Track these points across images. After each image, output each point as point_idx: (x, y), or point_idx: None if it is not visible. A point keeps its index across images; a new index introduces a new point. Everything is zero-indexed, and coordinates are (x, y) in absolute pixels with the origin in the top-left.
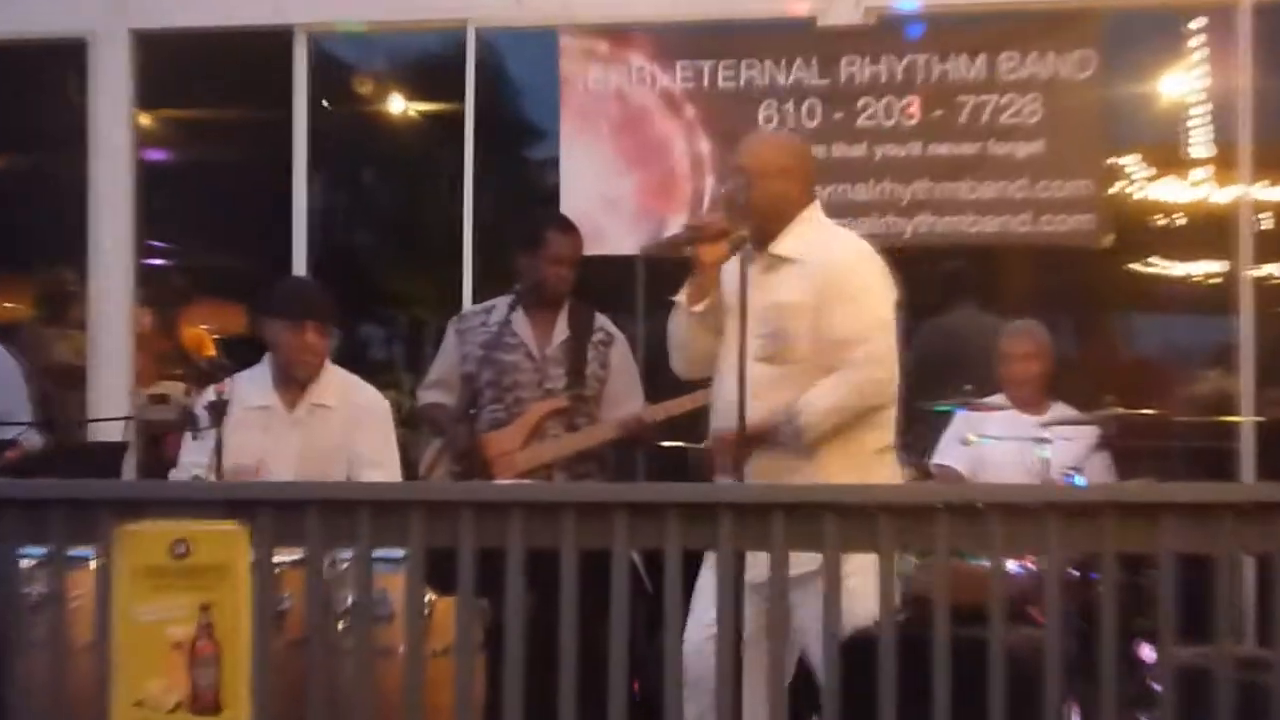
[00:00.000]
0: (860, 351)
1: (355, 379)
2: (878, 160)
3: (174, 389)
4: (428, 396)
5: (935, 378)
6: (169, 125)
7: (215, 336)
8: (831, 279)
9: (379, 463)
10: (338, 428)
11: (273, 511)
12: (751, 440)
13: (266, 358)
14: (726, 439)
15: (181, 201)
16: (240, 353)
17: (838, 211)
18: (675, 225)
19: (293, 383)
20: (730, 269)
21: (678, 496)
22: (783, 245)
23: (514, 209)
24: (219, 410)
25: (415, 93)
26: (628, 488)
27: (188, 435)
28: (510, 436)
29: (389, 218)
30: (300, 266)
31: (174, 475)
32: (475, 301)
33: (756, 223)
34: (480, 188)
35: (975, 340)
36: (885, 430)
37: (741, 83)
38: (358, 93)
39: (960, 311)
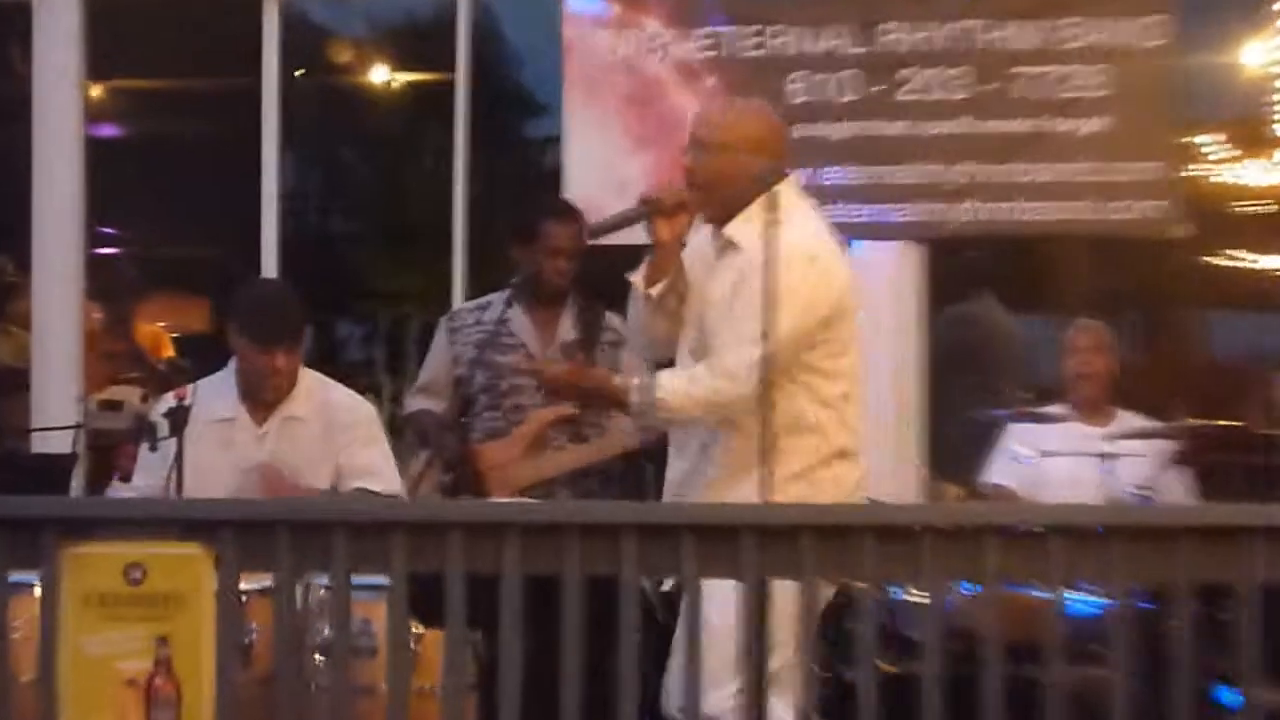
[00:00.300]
0: (724, 358)
1: (330, 383)
2: (922, 139)
3: (128, 394)
4: (415, 403)
5: (952, 374)
6: (121, 97)
7: (174, 335)
8: (749, 273)
9: (374, 472)
10: (313, 441)
11: (238, 532)
12: (592, 390)
13: (231, 363)
14: (553, 370)
15: (135, 182)
16: (201, 353)
17: (875, 196)
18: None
19: (262, 399)
20: (696, 249)
21: (694, 518)
22: (732, 228)
23: (511, 193)
24: (179, 419)
25: (400, 61)
26: (639, 507)
27: (144, 447)
28: (507, 448)
29: (370, 202)
30: (270, 256)
31: (129, 490)
32: (467, 297)
33: (716, 201)
34: (473, 169)
35: (992, 332)
36: (826, 436)
37: (767, 51)
38: (335, 61)
39: (978, 301)
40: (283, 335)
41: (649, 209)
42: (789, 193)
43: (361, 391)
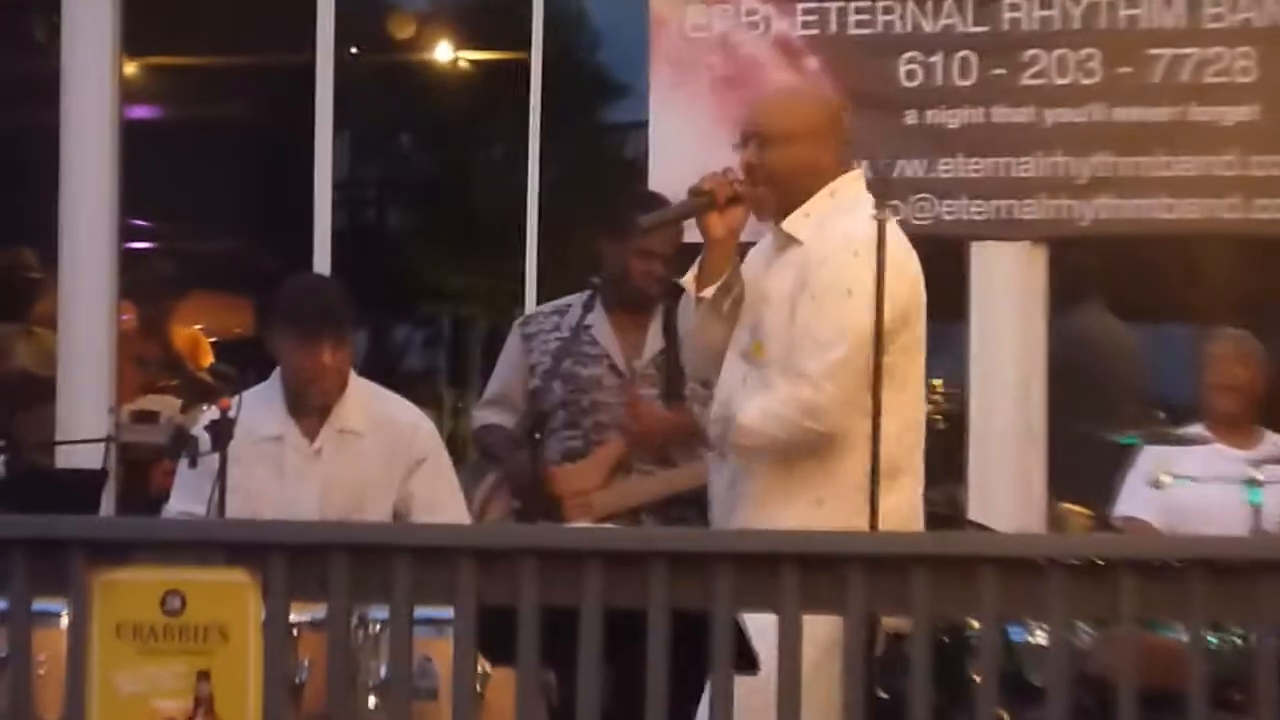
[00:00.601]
0: (800, 363)
1: (387, 394)
2: (1048, 127)
3: (164, 405)
4: (483, 417)
5: (1071, 391)
6: (159, 75)
7: (213, 339)
8: (812, 268)
9: (441, 506)
10: (372, 459)
11: (288, 558)
12: (669, 427)
13: (277, 374)
14: (638, 411)
15: (174, 170)
16: (244, 359)
17: (996, 191)
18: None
19: (311, 407)
20: (761, 249)
21: (796, 546)
22: (793, 222)
23: (590, 184)
24: (223, 432)
25: (467, 38)
26: (734, 535)
27: (183, 463)
28: (588, 471)
29: (432, 192)
30: (322, 251)
31: (166, 513)
32: (540, 298)
33: (777, 197)
34: (547, 157)
35: (1112, 345)
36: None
37: (878, 29)
38: (395, 37)
39: (1088, 310)
40: (327, 326)
41: (701, 203)
42: (854, 185)
43: (422, 405)
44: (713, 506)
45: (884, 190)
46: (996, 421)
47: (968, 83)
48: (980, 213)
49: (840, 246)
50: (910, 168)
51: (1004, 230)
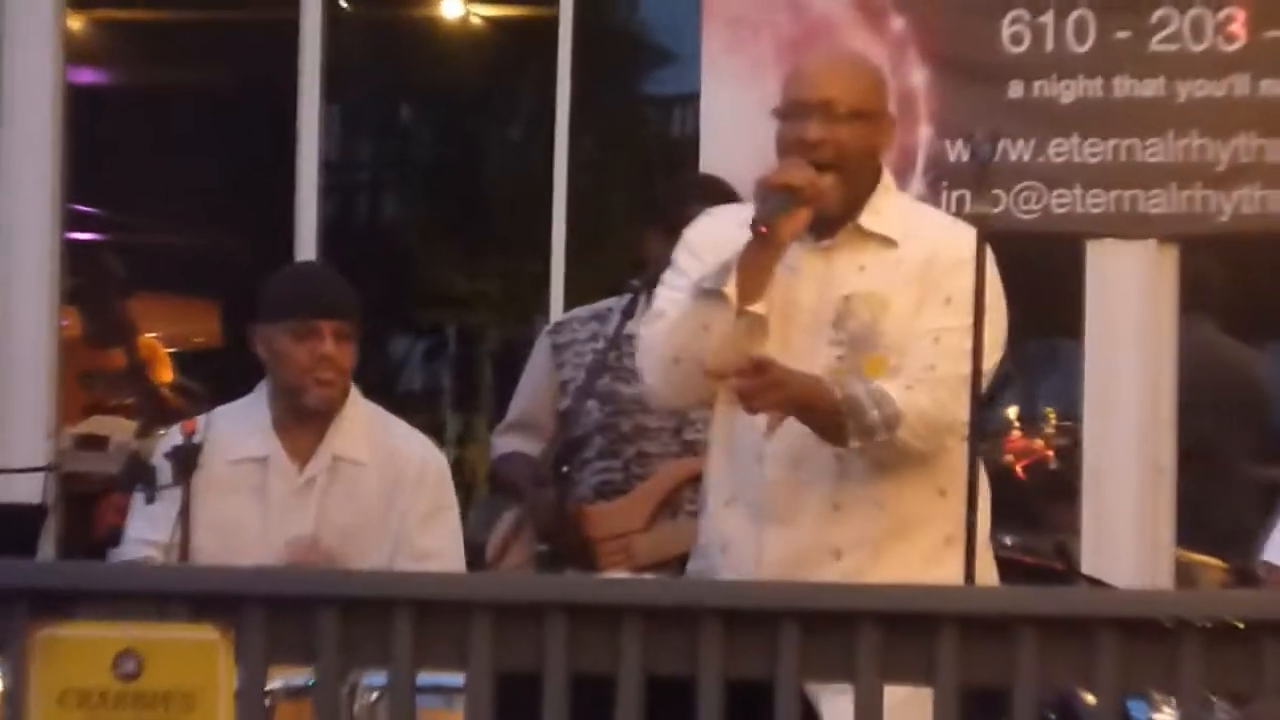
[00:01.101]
0: (942, 370)
1: (394, 420)
2: (1181, 102)
3: (115, 427)
4: (503, 444)
5: (1202, 428)
6: (113, 32)
7: (171, 350)
8: (944, 271)
9: (433, 553)
10: (371, 497)
11: (267, 611)
12: (808, 395)
13: (261, 387)
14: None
15: (128, 146)
16: (209, 374)
17: (1118, 179)
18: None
19: (304, 423)
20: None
21: (875, 603)
22: (876, 219)
23: (629, 167)
24: (187, 459)
25: None
26: (801, 589)
27: (138, 497)
28: (629, 510)
29: (438, 176)
30: (306, 245)
31: (122, 546)
32: (568, 303)
33: (843, 186)
34: (579, 135)
35: (1241, 371)
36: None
37: None
38: None
39: (1199, 329)
40: (327, 304)
41: (789, 201)
42: (892, 180)
43: (421, 432)
44: (777, 560)
45: (983, 178)
46: (1116, 456)
47: (1084, 48)
48: (1098, 205)
49: (966, 249)
50: (1014, 150)
51: (1127, 226)
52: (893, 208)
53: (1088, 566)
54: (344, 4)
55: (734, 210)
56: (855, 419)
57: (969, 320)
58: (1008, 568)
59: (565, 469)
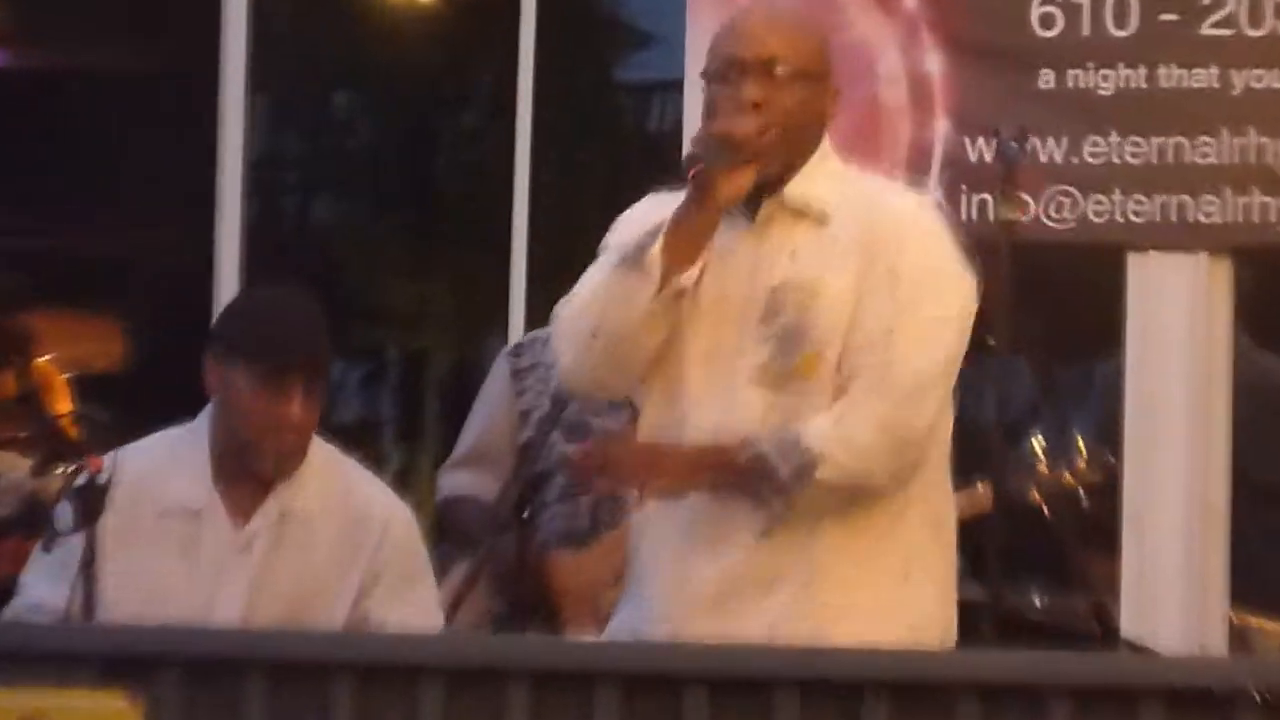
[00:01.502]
0: (894, 373)
1: (350, 464)
2: (1236, 95)
3: (7, 465)
4: (454, 484)
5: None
6: (4, 7)
7: (67, 375)
8: (886, 247)
9: (410, 623)
10: (322, 558)
11: (186, 676)
12: (703, 467)
13: (199, 425)
14: (645, 453)
15: (20, 139)
16: (113, 404)
17: (1165, 182)
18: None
19: (250, 471)
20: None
21: (892, 671)
22: (803, 188)
23: (601, 161)
24: (93, 503)
25: None
26: (799, 654)
27: (37, 547)
28: (598, 560)
29: (381, 172)
30: (228, 254)
31: (17, 600)
32: (529, 320)
33: (784, 152)
34: (544, 124)
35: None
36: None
37: None
38: None
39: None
40: (301, 363)
41: (721, 153)
42: (834, 153)
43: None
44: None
45: (1009, 180)
46: (1161, 497)
47: (1125, 33)
48: (1142, 212)
49: (913, 218)
50: (1045, 149)
51: (1174, 237)
52: (828, 177)
53: (1127, 627)
54: None
55: (677, 194)
56: (766, 481)
57: (927, 303)
58: (1038, 631)
59: (527, 511)
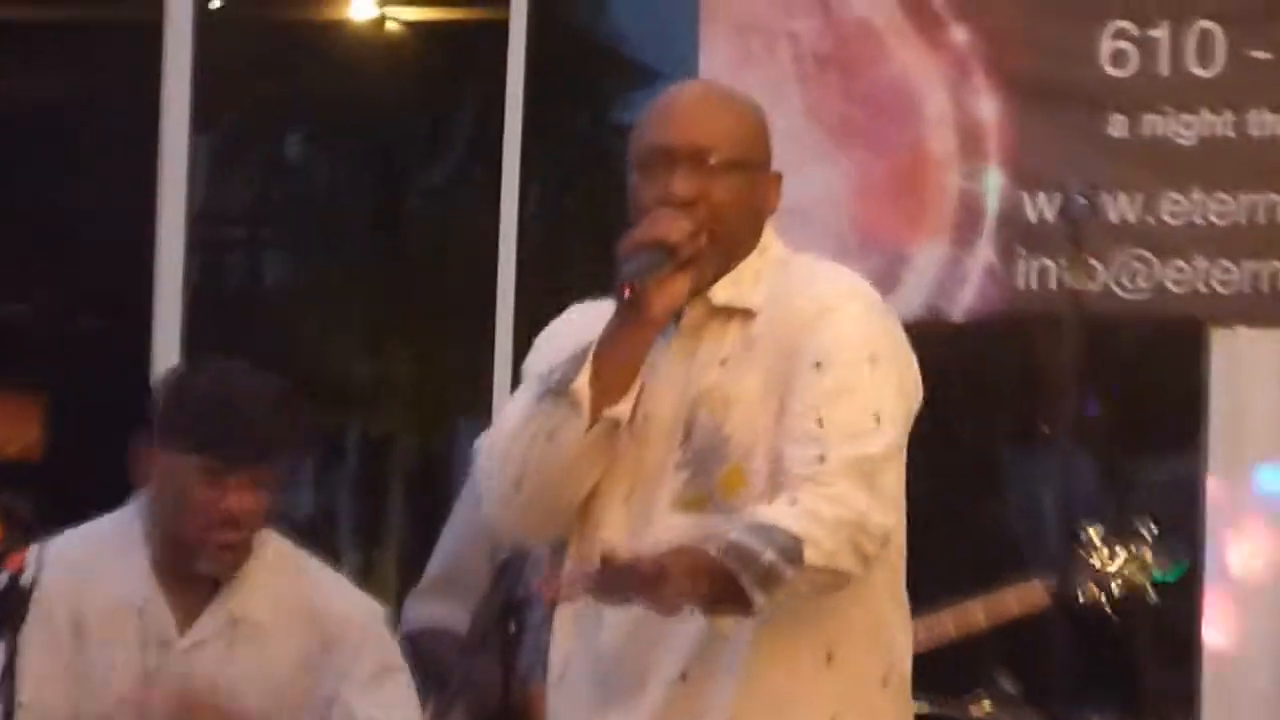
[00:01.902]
0: (846, 455)
1: (318, 569)
2: None
3: None
4: (423, 613)
5: None
6: None
7: None
8: (803, 331)
9: None
10: (288, 665)
11: None
12: (654, 576)
13: (131, 511)
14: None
15: None
16: (35, 490)
17: (1254, 247)
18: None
19: (197, 568)
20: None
21: None
22: (733, 288)
23: (598, 217)
24: (15, 606)
25: None
26: None
27: None
28: None
29: (341, 227)
30: (168, 321)
31: None
32: None
33: (722, 255)
34: (533, 173)
35: None
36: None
37: None
38: None
39: None
40: (256, 452)
41: (658, 262)
42: (775, 237)
43: None
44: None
45: (1076, 243)
46: (1249, 621)
47: (1210, 72)
48: (1228, 281)
49: (839, 298)
50: (1117, 206)
51: (1264, 310)
52: (765, 270)
53: None
54: (212, 5)
55: (604, 305)
56: (748, 571)
57: (857, 376)
58: None
59: (509, 638)
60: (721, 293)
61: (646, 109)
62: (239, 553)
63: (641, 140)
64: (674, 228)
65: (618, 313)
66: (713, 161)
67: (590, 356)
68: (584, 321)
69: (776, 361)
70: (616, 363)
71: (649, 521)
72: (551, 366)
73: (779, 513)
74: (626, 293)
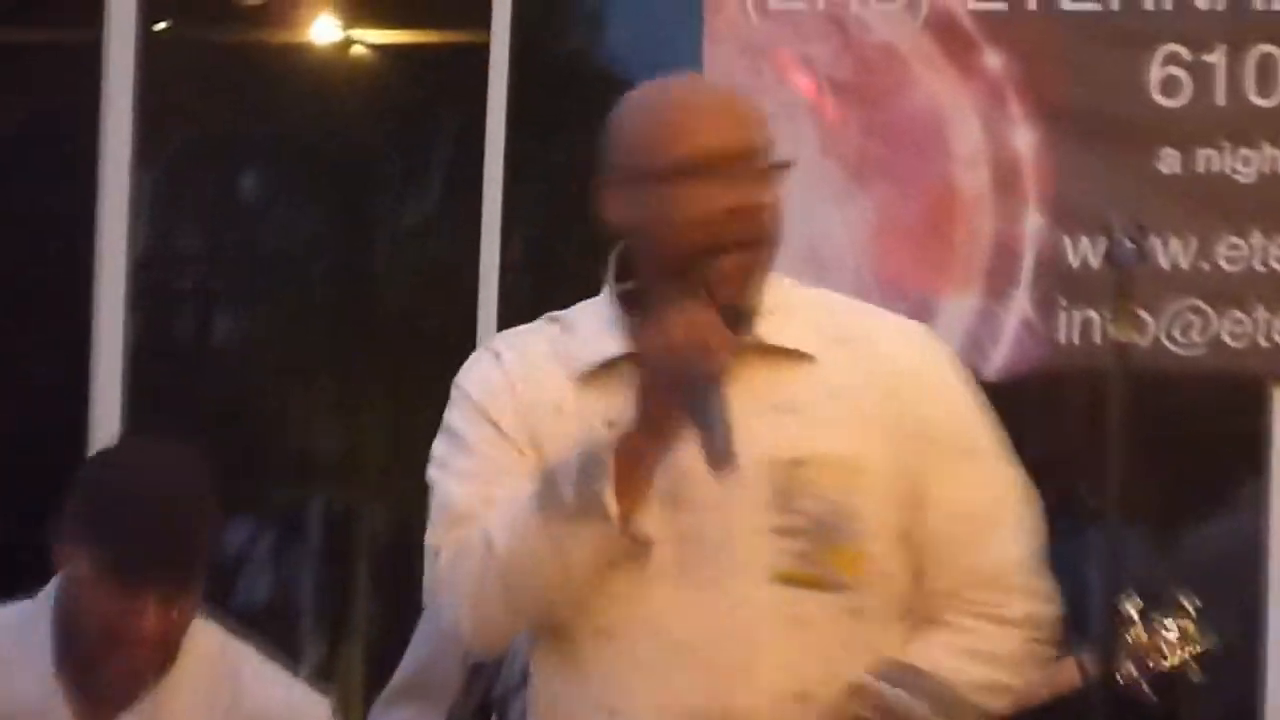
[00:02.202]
0: (1003, 560)
1: (251, 658)
2: None
3: None
4: (392, 716)
5: None
6: None
7: None
8: (912, 395)
9: None
10: None
11: None
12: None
13: (45, 596)
14: None
15: None
16: None
17: None
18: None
19: (104, 680)
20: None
21: None
22: (774, 327)
23: (592, 263)
24: None
25: (373, 12)
26: None
27: None
28: None
29: (301, 275)
30: (107, 381)
31: None
32: None
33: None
34: (516, 214)
35: None
36: None
37: (1112, 5)
38: (241, 7)
39: None
40: (168, 565)
41: (690, 355)
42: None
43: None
44: None
45: (1123, 292)
46: None
47: (1272, 101)
48: None
49: (934, 356)
50: (1168, 251)
51: None
52: (791, 306)
53: None
54: (159, 28)
55: (535, 333)
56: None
57: (985, 469)
58: None
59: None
60: (770, 332)
61: (645, 109)
62: (152, 668)
63: (671, 148)
64: (718, 353)
65: (643, 423)
66: (763, 164)
67: (608, 468)
68: (520, 368)
69: (890, 430)
70: (639, 474)
71: (727, 594)
72: (547, 472)
73: (939, 657)
74: (652, 404)
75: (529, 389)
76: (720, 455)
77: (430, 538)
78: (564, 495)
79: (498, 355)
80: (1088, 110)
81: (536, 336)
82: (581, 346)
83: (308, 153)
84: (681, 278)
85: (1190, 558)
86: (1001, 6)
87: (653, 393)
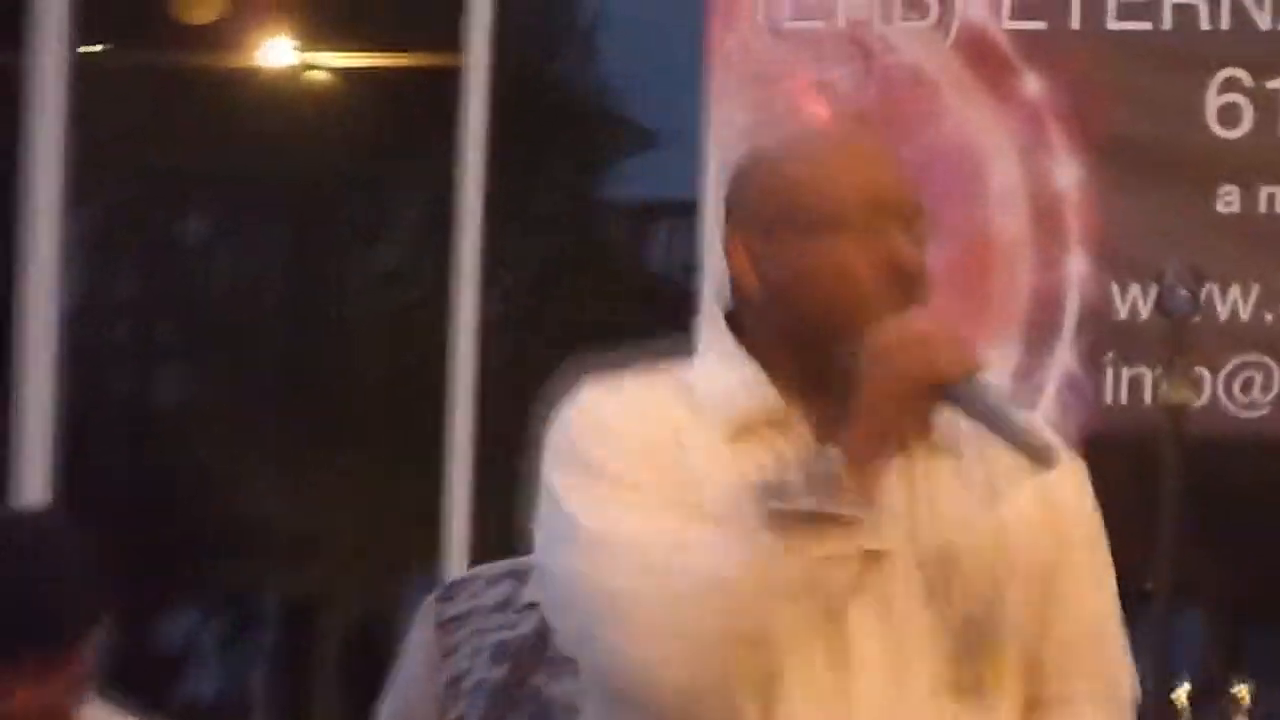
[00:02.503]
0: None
1: None
2: None
3: None
4: None
5: None
6: None
7: None
8: (1065, 510)
9: None
10: None
11: None
12: None
13: None
14: None
15: None
16: None
17: None
18: None
19: None
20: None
21: None
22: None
23: (579, 316)
24: None
25: (331, 26)
26: None
27: None
28: None
29: (251, 329)
30: (33, 448)
31: None
32: (472, 552)
33: None
34: (495, 263)
35: None
36: None
37: (1165, 24)
38: (183, 22)
39: None
40: (35, 639)
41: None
42: None
43: None
44: None
45: (1177, 346)
46: None
47: None
48: None
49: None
50: (1227, 300)
51: None
52: None
53: None
54: (93, 50)
55: (651, 386)
56: None
57: (1105, 574)
58: None
59: None
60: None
61: (807, 154)
62: None
63: (820, 197)
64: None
65: (871, 436)
66: (922, 223)
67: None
68: (658, 412)
69: (1037, 537)
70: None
71: (904, 701)
72: (777, 487)
73: None
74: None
75: (681, 437)
76: (1041, 451)
77: (607, 579)
78: (804, 498)
79: (626, 401)
80: (1137, 142)
81: (657, 388)
82: (725, 402)
83: (260, 191)
84: (846, 338)
85: (1249, 642)
86: (1041, 25)
87: (886, 400)
